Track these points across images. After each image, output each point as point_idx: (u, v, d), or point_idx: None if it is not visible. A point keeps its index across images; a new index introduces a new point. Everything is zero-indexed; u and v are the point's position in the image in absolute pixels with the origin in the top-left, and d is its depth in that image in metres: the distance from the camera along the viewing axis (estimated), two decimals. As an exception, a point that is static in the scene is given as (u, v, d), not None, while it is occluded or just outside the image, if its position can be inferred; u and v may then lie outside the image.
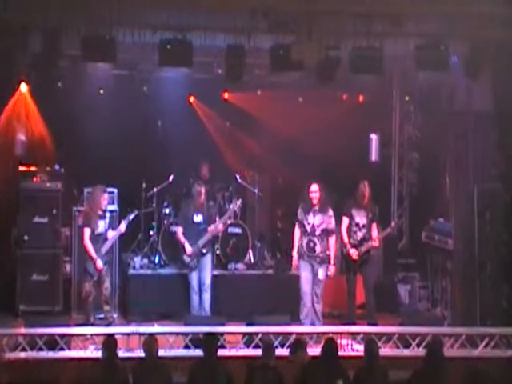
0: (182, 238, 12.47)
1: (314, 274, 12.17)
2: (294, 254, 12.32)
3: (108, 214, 12.08)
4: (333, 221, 12.32)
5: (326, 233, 12.25)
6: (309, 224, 12.24)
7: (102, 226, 11.93)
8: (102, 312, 11.96)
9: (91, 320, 11.78)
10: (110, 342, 9.08)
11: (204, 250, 12.51)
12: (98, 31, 11.32)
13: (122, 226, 12.00)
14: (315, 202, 12.24)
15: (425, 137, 15.07)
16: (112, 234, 12.04)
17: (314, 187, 12.26)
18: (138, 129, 14.54)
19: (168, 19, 11.27)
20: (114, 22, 11.25)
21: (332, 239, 12.32)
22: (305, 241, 12.24)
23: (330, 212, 12.32)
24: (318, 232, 12.23)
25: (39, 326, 10.75)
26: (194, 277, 12.45)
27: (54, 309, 12.92)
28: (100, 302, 11.89)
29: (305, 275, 12.18)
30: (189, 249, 12.40)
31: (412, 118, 15.41)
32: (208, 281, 12.50)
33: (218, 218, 12.81)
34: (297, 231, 12.36)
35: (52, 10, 10.98)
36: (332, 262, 12.29)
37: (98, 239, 11.92)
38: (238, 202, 13.37)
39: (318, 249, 12.20)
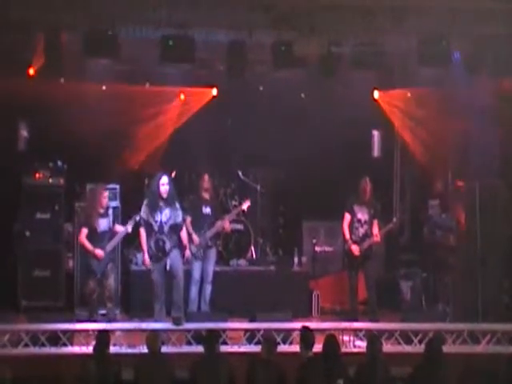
0: (190, 228, 12.39)
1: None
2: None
3: (111, 212, 12.00)
4: (180, 214, 11.71)
5: (175, 228, 11.69)
6: (156, 222, 11.64)
7: (104, 224, 11.88)
8: (105, 308, 11.96)
9: (94, 317, 11.77)
10: (102, 337, 9.12)
11: (209, 243, 12.49)
12: (100, 27, 11.33)
13: (129, 228, 11.89)
14: (165, 195, 11.59)
15: (427, 132, 15.05)
16: (120, 229, 11.96)
17: (165, 179, 11.64)
18: (140, 125, 14.55)
19: (170, 15, 11.26)
20: (116, 17, 11.26)
21: (182, 232, 11.79)
22: (152, 241, 11.62)
23: (177, 205, 11.70)
24: (166, 229, 11.67)
25: (41, 321, 10.76)
26: (196, 267, 12.39)
27: (56, 304, 12.93)
28: (103, 298, 11.87)
29: (155, 277, 11.66)
30: (196, 239, 12.37)
31: (414, 114, 15.39)
32: (211, 273, 12.44)
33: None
34: (143, 232, 11.70)
35: (54, 6, 10.99)
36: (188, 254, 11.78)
37: (103, 237, 11.86)
38: (247, 202, 13.26)
39: (168, 247, 11.67)
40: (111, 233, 11.96)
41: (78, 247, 13.06)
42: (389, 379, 8.97)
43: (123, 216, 12.72)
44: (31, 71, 12.72)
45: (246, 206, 13.17)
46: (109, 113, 14.12)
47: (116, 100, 14.18)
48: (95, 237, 11.82)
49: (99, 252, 11.72)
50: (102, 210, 11.89)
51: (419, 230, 14.35)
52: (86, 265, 12.06)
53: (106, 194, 11.96)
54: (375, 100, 14.68)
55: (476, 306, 12.32)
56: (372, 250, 12.62)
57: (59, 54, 11.68)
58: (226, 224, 12.64)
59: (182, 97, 14.91)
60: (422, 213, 14.43)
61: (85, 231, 11.81)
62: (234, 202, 14.00)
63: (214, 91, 14.89)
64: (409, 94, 14.69)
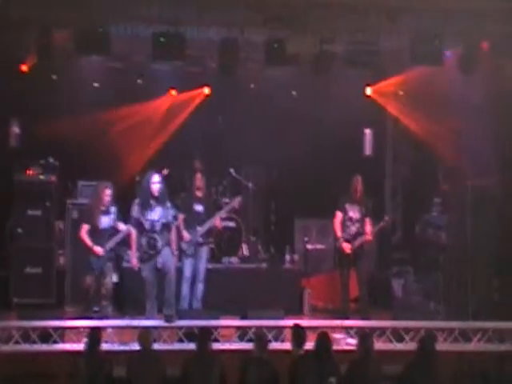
0: (181, 225, 12.39)
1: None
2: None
3: (113, 209, 11.87)
4: (171, 213, 11.62)
5: (166, 227, 11.57)
6: (147, 220, 11.53)
7: (105, 221, 11.79)
8: (98, 306, 11.91)
9: (89, 313, 11.74)
10: (94, 335, 9.11)
11: (201, 240, 12.48)
12: (91, 24, 11.31)
13: (131, 227, 11.72)
14: (156, 194, 11.48)
15: (419, 131, 15.08)
16: (122, 228, 11.88)
17: (156, 178, 11.52)
18: (131, 122, 14.55)
19: (161, 12, 11.25)
20: (107, 15, 11.25)
21: (172, 234, 11.64)
22: (144, 240, 11.50)
23: (168, 204, 11.60)
24: (157, 227, 11.56)
25: (33, 318, 10.73)
26: (188, 265, 12.36)
27: (48, 301, 12.91)
28: (99, 295, 11.81)
29: (146, 274, 11.52)
30: (187, 236, 12.37)
31: (406, 113, 15.41)
32: (203, 271, 12.43)
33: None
34: (133, 231, 11.51)
35: (46, 4, 10.98)
36: (175, 252, 11.70)
37: (104, 235, 11.79)
38: (238, 199, 13.25)
39: (160, 245, 11.53)
40: (112, 231, 11.88)
41: (69, 244, 13.07)
42: (380, 377, 8.98)
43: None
44: (24, 68, 12.71)
45: (237, 202, 13.17)
46: (100, 110, 14.13)
47: (107, 97, 14.19)
48: (96, 234, 11.73)
49: (98, 249, 11.68)
50: (103, 208, 11.81)
51: (411, 228, 14.38)
52: (83, 261, 11.93)
53: (108, 191, 11.81)
54: (368, 96, 14.68)
55: (467, 304, 12.34)
56: (363, 249, 12.61)
57: (51, 52, 11.67)
58: (217, 221, 12.64)
59: (173, 93, 14.91)
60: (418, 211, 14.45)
61: (86, 227, 11.76)
62: (225, 200, 13.98)
63: (206, 90, 14.93)
64: (401, 93, 14.72)
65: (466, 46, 11.94)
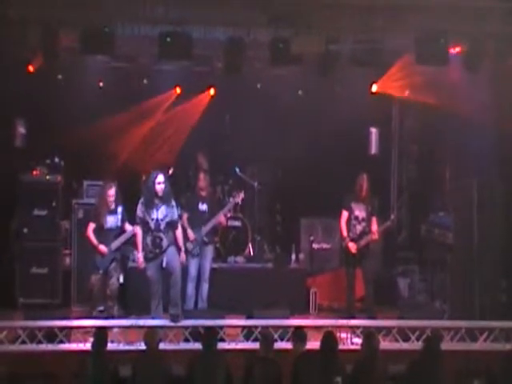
0: (185, 224, 12.40)
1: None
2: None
3: (120, 209, 11.83)
4: (176, 211, 11.63)
5: (171, 226, 11.55)
6: (152, 220, 11.48)
7: (111, 221, 11.80)
8: (104, 305, 11.92)
9: (94, 313, 11.74)
10: (100, 334, 9.11)
11: (206, 239, 12.49)
12: (96, 24, 11.33)
13: (136, 228, 11.74)
14: (161, 193, 11.42)
15: (425, 130, 15.07)
16: (128, 228, 11.88)
17: (161, 178, 11.48)
18: (137, 122, 14.57)
19: (167, 12, 11.26)
20: (113, 14, 11.26)
21: (178, 231, 11.62)
22: (149, 239, 11.47)
23: (173, 202, 11.58)
24: (162, 226, 11.51)
25: (39, 318, 10.74)
26: (193, 264, 12.39)
27: (54, 301, 12.92)
28: (104, 295, 11.82)
29: (151, 274, 11.52)
30: (192, 235, 12.38)
31: (411, 111, 15.42)
32: (208, 270, 12.46)
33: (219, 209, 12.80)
34: (138, 230, 11.51)
35: (51, 4, 11.00)
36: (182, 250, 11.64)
37: (109, 234, 11.79)
38: (241, 194, 13.27)
39: (165, 244, 11.50)
40: (118, 231, 11.87)
41: (75, 244, 13.08)
42: (386, 376, 8.96)
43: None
44: (30, 69, 12.73)
45: (239, 198, 13.18)
46: (106, 110, 14.14)
47: (113, 97, 14.20)
48: (101, 233, 11.74)
49: (103, 248, 11.69)
50: (109, 207, 11.79)
51: (417, 227, 14.36)
52: (89, 261, 11.92)
53: (111, 191, 11.78)
54: (373, 93, 14.65)
55: (473, 303, 12.31)
56: (369, 248, 12.61)
57: (57, 52, 11.68)
58: (221, 218, 12.64)
59: (178, 90, 14.91)
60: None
61: (92, 226, 11.77)
62: (231, 199, 13.99)
63: (212, 91, 14.94)
64: (407, 93, 14.70)
65: (471, 45, 11.92)
